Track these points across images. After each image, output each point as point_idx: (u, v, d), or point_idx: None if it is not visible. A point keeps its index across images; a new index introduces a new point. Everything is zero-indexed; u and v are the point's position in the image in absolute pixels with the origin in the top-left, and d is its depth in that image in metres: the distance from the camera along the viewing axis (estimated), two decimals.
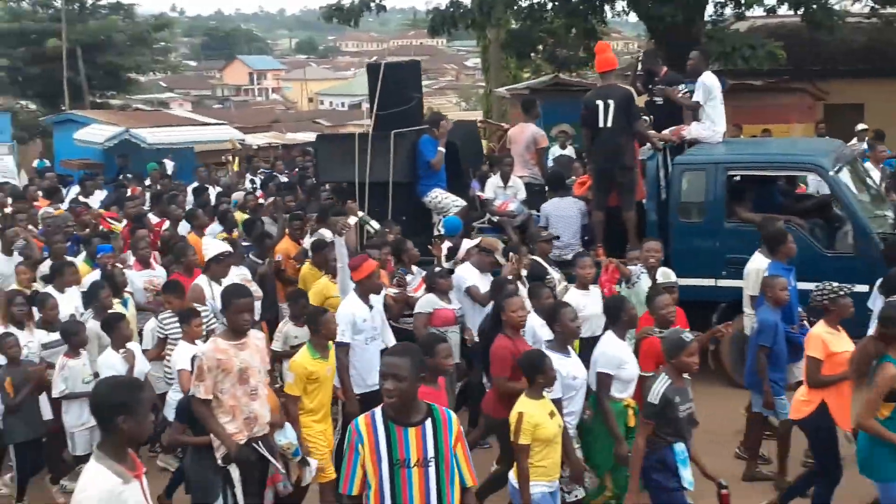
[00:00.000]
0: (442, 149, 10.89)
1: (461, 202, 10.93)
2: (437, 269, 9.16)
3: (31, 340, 8.22)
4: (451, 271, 9.15)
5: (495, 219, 11.08)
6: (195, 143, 25.56)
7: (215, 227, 12.06)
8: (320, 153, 12.03)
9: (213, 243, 9.62)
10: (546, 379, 6.13)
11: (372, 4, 19.95)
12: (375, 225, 10.40)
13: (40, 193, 15.84)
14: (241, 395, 6.15)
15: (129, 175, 19.24)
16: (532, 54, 24.25)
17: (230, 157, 25.09)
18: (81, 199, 15.31)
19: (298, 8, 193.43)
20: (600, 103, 10.18)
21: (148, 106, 41.45)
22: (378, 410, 4.56)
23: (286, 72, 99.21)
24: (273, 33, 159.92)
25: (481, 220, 11.33)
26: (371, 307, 7.91)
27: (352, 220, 9.74)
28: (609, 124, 10.16)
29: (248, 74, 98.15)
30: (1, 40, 35.46)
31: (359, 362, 7.70)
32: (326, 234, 10.28)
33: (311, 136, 37.41)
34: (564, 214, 10.67)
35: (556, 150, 15.98)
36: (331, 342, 7.28)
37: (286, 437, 6.84)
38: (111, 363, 7.62)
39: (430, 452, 4.49)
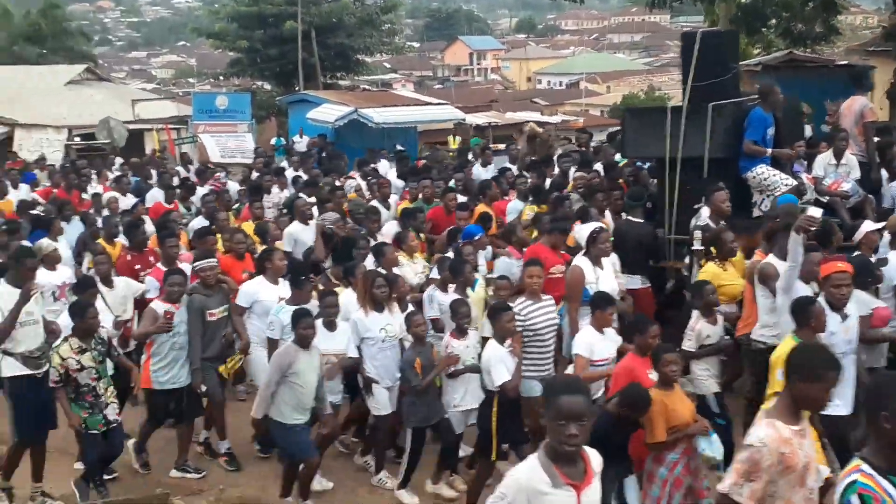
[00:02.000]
0: (771, 129, 9.83)
1: (791, 181, 9.81)
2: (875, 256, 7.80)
3: (391, 322, 7.95)
4: (883, 261, 7.84)
5: (824, 199, 10.01)
6: (418, 123, 26.23)
7: (516, 203, 11.79)
8: (628, 127, 11.28)
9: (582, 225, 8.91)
10: None
11: None
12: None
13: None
14: (798, 500, 4.38)
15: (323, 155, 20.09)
16: (763, 29, 23.12)
17: (454, 137, 25.63)
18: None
19: None
20: None
21: (373, 86, 42.88)
22: (864, 464, 3.75)
23: (505, 51, 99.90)
24: (494, 13, 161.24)
25: (806, 201, 10.21)
26: (845, 316, 6.72)
27: (814, 211, 8.01)
28: None
29: (468, 55, 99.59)
30: (241, 23, 37.66)
31: None
32: (704, 215, 9.39)
33: (528, 116, 37.71)
34: None
35: None
36: None
37: (711, 448, 6.10)
38: (500, 356, 7.00)
39: None
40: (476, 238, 9.54)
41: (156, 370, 7.93)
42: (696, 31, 10.82)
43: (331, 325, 7.73)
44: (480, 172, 15.38)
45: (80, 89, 32.41)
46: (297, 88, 33.82)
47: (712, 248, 8.59)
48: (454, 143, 25.28)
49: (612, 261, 8.73)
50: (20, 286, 7.48)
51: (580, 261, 8.29)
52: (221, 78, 44.54)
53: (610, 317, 7.19)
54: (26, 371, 7.51)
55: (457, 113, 27.97)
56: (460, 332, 7.57)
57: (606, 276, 8.28)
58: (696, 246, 9.17)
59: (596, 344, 7.06)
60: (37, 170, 19.80)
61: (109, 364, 7.48)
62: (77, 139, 26.81)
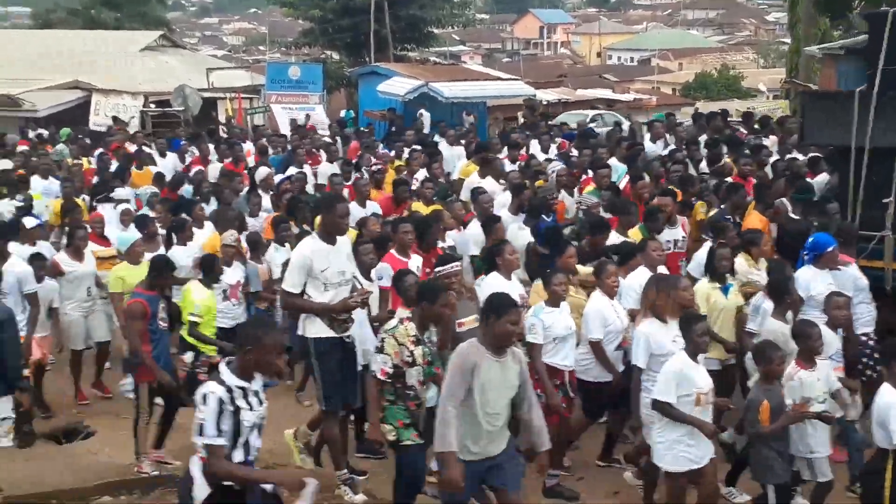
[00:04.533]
0: None
1: None
2: None
3: (678, 334, 6.53)
4: None
5: None
6: (489, 98, 26.09)
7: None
8: (808, 112, 10.82)
9: None
10: None
11: None
12: None
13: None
14: None
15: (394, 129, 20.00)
16: (848, 13, 22.46)
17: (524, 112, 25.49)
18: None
19: None
20: None
21: (441, 59, 42.69)
22: None
23: (576, 25, 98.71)
24: None
25: None
26: None
27: None
28: None
29: (538, 28, 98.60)
30: None
31: None
32: None
33: (599, 93, 37.16)
34: None
35: None
36: None
37: None
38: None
39: None
40: (829, 250, 7.68)
41: None
42: (886, 11, 10.00)
43: (695, 355, 6.17)
44: (651, 148, 14.20)
45: (156, 55, 32.83)
46: (366, 60, 33.80)
47: None
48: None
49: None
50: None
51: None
52: (292, 47, 44.73)
53: None
54: (331, 333, 6.93)
55: (527, 88, 27.74)
56: (808, 361, 6.30)
57: None
58: None
59: None
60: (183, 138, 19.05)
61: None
62: (152, 105, 27.21)
